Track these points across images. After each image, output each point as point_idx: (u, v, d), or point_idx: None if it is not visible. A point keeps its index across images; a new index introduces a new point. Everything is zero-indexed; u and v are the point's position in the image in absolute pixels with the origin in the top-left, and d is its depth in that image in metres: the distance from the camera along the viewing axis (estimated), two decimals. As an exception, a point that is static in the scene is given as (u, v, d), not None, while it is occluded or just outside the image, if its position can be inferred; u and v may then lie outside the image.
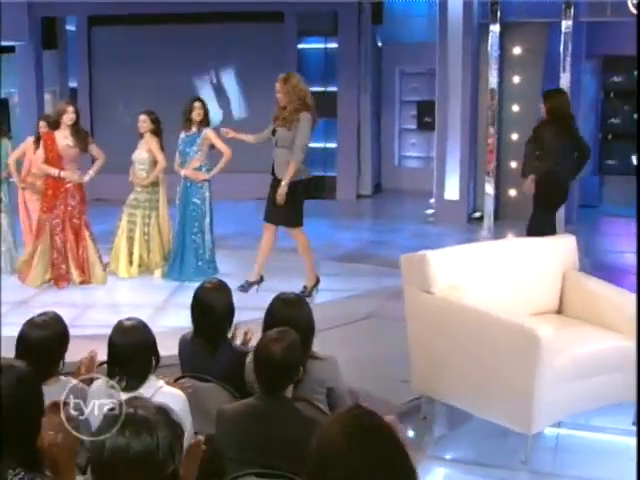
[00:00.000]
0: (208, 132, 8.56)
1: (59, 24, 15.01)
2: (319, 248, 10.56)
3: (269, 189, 7.87)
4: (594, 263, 9.08)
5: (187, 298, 7.67)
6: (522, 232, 10.92)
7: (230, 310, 4.32)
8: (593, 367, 4.70)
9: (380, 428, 2.10)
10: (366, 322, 7.47)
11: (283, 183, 7.56)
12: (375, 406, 5.37)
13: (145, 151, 8.72)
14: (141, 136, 8.80)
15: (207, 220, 8.66)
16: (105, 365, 4.06)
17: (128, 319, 3.79)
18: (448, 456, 4.90)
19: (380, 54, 15.53)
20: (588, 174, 13.20)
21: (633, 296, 5.00)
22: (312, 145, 14.73)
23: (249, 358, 4.16)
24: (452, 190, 12.24)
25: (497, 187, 12.16)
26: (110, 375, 3.67)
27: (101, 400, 3.62)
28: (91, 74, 14.86)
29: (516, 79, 12.19)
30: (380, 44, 15.52)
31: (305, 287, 8.04)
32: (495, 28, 11.82)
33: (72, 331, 3.93)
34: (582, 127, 12.15)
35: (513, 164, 12.04)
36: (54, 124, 8.31)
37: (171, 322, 6.99)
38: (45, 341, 3.65)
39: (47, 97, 14.49)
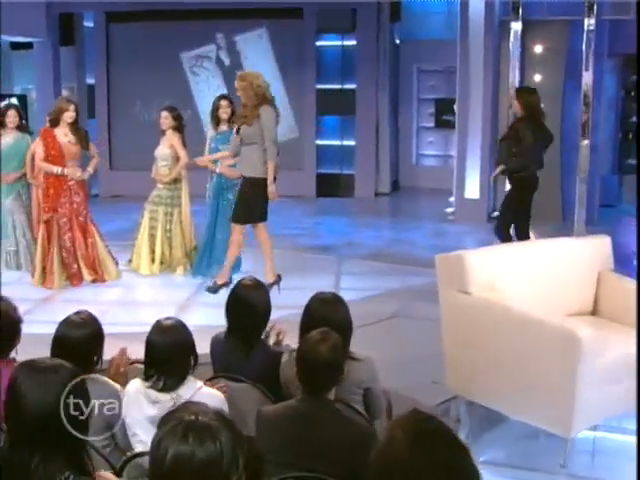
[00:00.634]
0: None
1: (77, 20, 14.98)
2: (338, 246, 10.56)
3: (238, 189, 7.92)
4: (620, 263, 8.99)
5: (210, 296, 7.78)
6: (543, 231, 10.89)
7: (269, 309, 4.26)
8: (631, 369, 4.62)
9: (442, 432, 2.06)
10: (391, 322, 7.39)
11: (269, 182, 7.56)
12: (405, 407, 5.31)
13: (167, 147, 8.66)
14: (163, 133, 8.75)
15: None
16: (135, 364, 4.02)
17: (167, 318, 3.73)
18: (482, 458, 4.82)
19: (398, 52, 15.48)
20: (608, 173, 13.14)
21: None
22: (329, 143, 15.01)
23: (284, 358, 4.12)
24: (472, 189, 12.18)
25: (518, 186, 12.06)
26: (147, 375, 3.62)
27: (139, 400, 3.61)
28: (108, 70, 14.85)
29: (537, 77, 12.11)
30: (398, 42, 15.46)
31: (215, 282, 8.04)
32: (517, 26, 11.74)
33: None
34: (601, 126, 12.12)
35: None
36: (54, 121, 8.20)
37: (195, 320, 6.87)
38: (85, 340, 3.63)
39: (64, 93, 14.43)
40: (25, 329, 3.95)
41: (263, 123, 7.52)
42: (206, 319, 6.70)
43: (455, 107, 12.51)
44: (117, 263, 8.63)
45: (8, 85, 14.47)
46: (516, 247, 5.75)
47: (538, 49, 12.07)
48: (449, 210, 12.57)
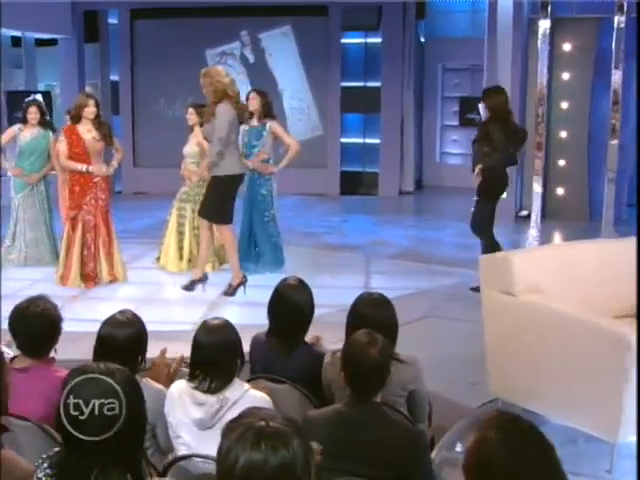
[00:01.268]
0: (273, 125, 8.53)
1: (101, 17, 15.02)
2: (365, 245, 10.49)
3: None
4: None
5: (241, 294, 7.72)
6: (571, 232, 10.82)
7: (313, 310, 4.20)
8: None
9: (533, 431, 2.15)
10: (423, 322, 7.30)
11: (194, 179, 7.69)
12: (445, 409, 5.22)
13: (195, 145, 8.62)
14: (191, 129, 8.71)
15: (273, 211, 8.66)
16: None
17: (214, 318, 3.68)
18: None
19: (422, 50, 15.41)
20: (635, 172, 12.99)
21: None
22: (351, 140, 14.91)
23: (327, 359, 4.05)
24: (498, 188, 12.04)
25: (545, 185, 11.95)
26: (193, 376, 3.55)
27: (184, 401, 3.55)
28: (132, 67, 14.85)
29: (565, 76, 12.01)
30: (423, 39, 15.38)
31: (230, 285, 7.95)
32: (545, 24, 11.56)
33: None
34: (628, 124, 11.98)
35: (561, 162, 11.87)
36: (75, 118, 8.12)
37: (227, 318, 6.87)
38: (130, 339, 3.58)
39: (88, 90, 14.45)
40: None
41: (215, 121, 7.48)
42: (237, 317, 6.59)
43: (479, 105, 12.40)
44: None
45: (32, 81, 14.49)
46: (559, 248, 5.67)
47: (567, 47, 11.96)
48: (475, 209, 12.44)
